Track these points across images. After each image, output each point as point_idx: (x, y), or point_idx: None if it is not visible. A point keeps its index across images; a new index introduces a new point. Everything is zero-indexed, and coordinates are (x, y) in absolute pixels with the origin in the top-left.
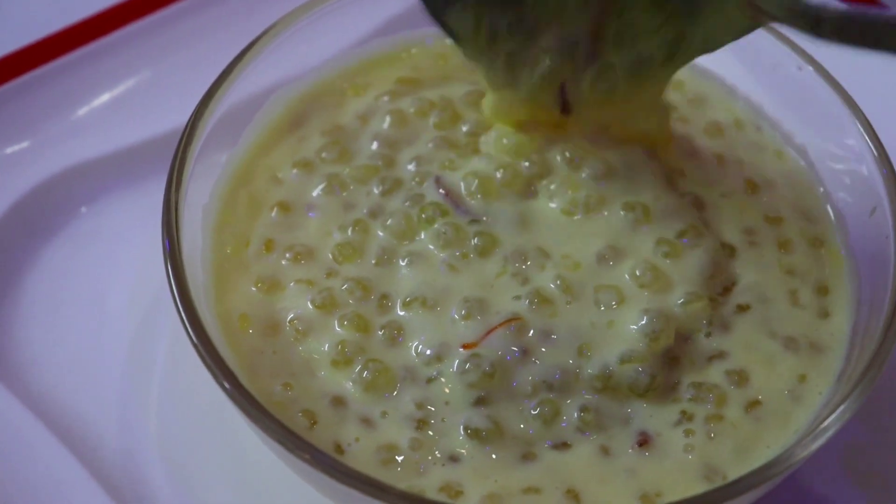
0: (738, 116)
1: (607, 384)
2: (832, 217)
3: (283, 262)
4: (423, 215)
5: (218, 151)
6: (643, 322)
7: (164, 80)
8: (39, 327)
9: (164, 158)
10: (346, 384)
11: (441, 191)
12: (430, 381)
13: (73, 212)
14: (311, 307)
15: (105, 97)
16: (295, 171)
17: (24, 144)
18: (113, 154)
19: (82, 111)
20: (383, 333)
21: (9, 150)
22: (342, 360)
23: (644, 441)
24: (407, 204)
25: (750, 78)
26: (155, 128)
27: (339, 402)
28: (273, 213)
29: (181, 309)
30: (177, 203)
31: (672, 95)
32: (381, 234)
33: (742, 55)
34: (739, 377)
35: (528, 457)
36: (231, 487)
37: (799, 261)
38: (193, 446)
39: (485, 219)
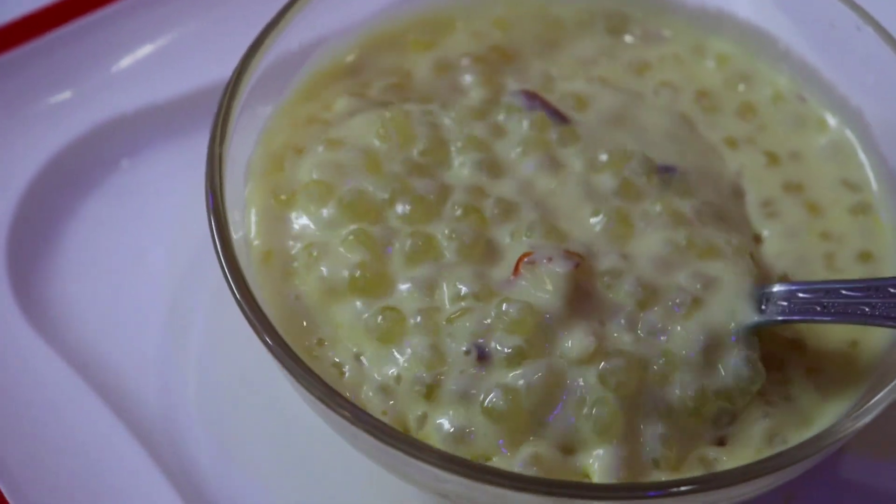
0: (780, 89)
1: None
2: (876, 184)
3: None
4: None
5: (263, 104)
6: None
7: (209, 31)
8: (79, 281)
9: (208, 111)
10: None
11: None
12: (451, 320)
13: (114, 164)
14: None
15: (148, 48)
16: (349, 99)
17: (67, 95)
18: (155, 106)
19: (125, 62)
20: (409, 244)
21: (51, 101)
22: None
23: (722, 441)
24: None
25: (805, 39)
26: (198, 80)
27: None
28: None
29: (224, 264)
30: (220, 157)
31: (710, 77)
32: (446, 121)
33: (797, 15)
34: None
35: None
36: (271, 445)
37: (832, 225)
38: (233, 403)
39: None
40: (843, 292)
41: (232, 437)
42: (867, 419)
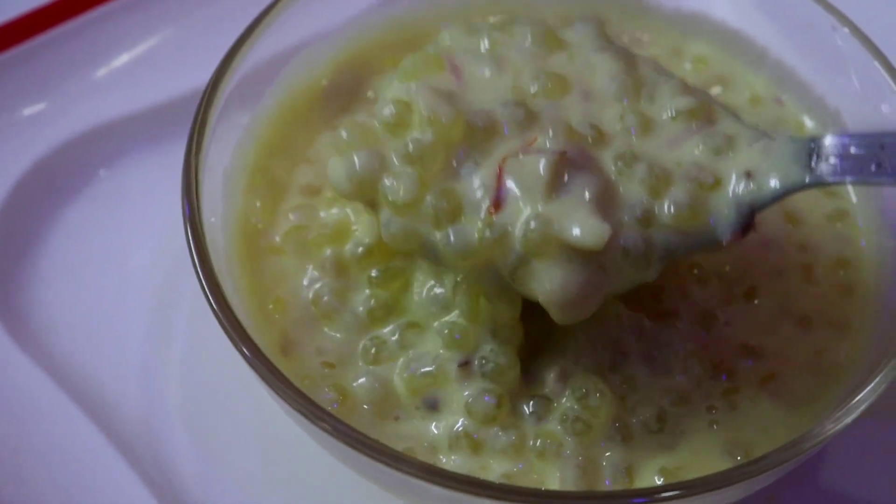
0: (757, 92)
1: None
2: (854, 189)
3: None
4: None
5: (240, 113)
6: None
7: (185, 39)
8: (59, 290)
9: (184, 119)
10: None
11: None
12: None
13: (93, 174)
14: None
15: (124, 57)
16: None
17: (43, 105)
18: (132, 115)
19: (101, 71)
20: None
21: (27, 112)
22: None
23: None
24: None
25: (782, 39)
26: (174, 88)
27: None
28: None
29: (201, 274)
30: (197, 168)
31: (690, 80)
32: None
33: (774, 14)
34: (754, 353)
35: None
36: (254, 455)
37: (810, 234)
38: (215, 412)
39: None
40: None
41: (214, 447)
42: (849, 419)
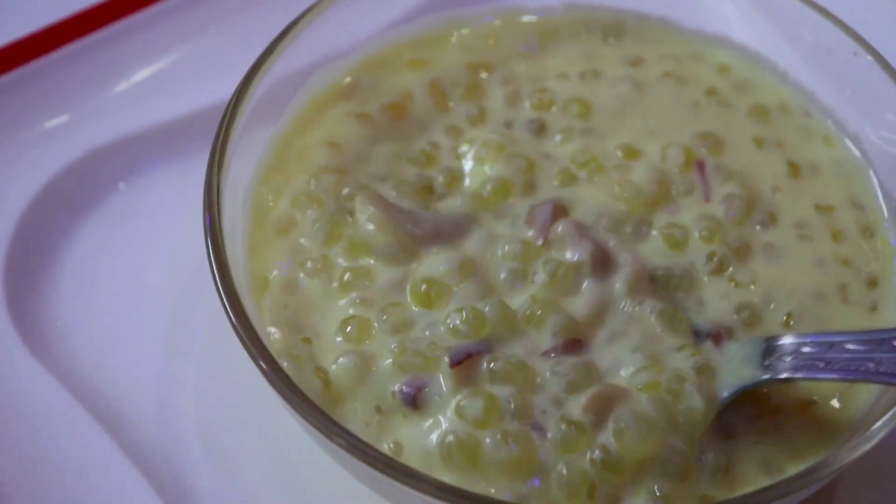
0: (785, 101)
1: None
2: (884, 207)
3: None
4: None
5: (260, 129)
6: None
7: (205, 55)
8: (77, 304)
9: (204, 134)
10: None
11: None
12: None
13: (112, 187)
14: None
15: (145, 71)
16: (353, 121)
17: (64, 119)
18: (152, 129)
19: (122, 86)
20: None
21: (47, 125)
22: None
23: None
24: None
25: (802, 63)
26: (194, 103)
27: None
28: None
29: (222, 291)
30: (219, 185)
31: (715, 79)
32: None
33: (795, 39)
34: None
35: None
36: (270, 469)
37: (851, 251)
38: (232, 426)
39: None
40: (848, 346)
41: (231, 461)
42: (864, 450)
